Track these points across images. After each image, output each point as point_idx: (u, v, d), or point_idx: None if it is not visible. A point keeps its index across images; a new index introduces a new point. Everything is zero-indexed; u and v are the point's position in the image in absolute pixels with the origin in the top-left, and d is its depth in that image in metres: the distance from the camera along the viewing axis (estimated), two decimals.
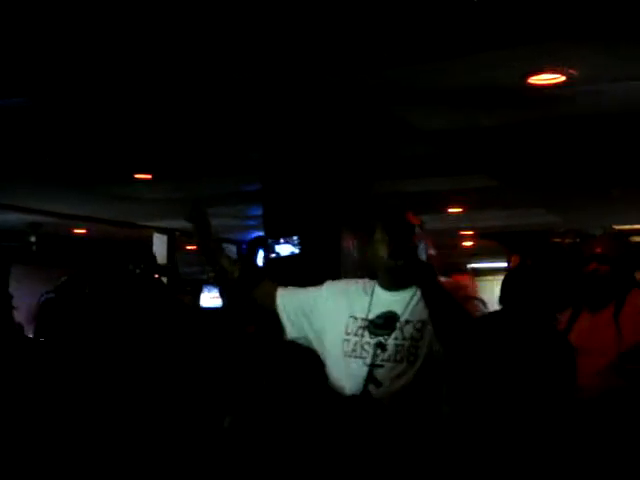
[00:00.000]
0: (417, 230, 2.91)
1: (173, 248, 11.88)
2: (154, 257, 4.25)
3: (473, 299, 3.20)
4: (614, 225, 10.93)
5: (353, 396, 2.78)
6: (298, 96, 5.31)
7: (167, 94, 5.22)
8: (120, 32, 4.09)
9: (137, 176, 7.77)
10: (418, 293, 2.85)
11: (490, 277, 19.39)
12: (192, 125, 6.07)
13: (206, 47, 4.35)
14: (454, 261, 15.71)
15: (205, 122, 5.99)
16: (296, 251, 6.60)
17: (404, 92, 5.25)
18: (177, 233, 11.97)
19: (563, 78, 4.77)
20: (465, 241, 14.54)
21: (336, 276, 6.21)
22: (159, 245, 11.68)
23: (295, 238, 6.73)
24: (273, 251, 6.73)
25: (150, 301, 3.76)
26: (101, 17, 3.89)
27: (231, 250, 13.05)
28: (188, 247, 13.36)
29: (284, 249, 6.75)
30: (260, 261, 6.38)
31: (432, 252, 4.13)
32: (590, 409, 3.79)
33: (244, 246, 3.62)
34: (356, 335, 2.92)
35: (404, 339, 2.84)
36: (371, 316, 2.92)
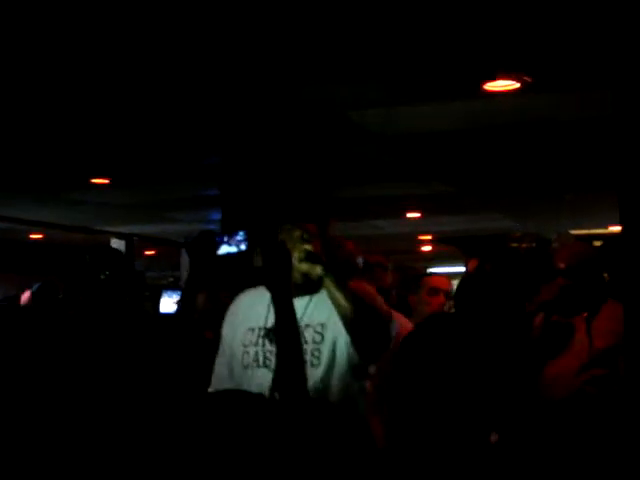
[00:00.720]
0: (306, 237, 2.86)
1: (132, 254, 11.79)
2: (121, 262, 4.20)
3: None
4: (570, 230, 11.08)
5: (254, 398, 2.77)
6: (256, 101, 5.31)
7: (124, 99, 5.19)
8: (75, 35, 4.06)
9: (94, 181, 7.71)
10: (318, 296, 2.85)
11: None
12: (150, 130, 6.04)
13: (163, 52, 4.34)
14: (412, 265, 15.83)
15: (163, 126, 5.96)
16: (243, 248, 6.56)
17: (361, 98, 5.28)
18: (135, 238, 11.89)
19: (518, 85, 4.83)
20: (423, 246, 14.64)
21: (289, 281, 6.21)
22: None
23: (241, 234, 6.69)
24: (219, 248, 6.69)
25: (112, 309, 3.74)
26: (54, 20, 3.86)
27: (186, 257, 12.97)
28: (146, 252, 13.30)
29: (231, 247, 6.71)
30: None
31: (359, 261, 4.15)
32: (562, 411, 3.86)
33: (188, 240, 3.57)
34: (256, 345, 2.90)
35: (305, 343, 2.81)
36: (269, 324, 2.87)
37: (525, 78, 4.74)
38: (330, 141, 6.52)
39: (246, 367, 2.89)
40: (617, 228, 11.81)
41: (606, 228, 11.68)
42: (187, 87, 4.97)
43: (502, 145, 6.66)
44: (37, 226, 10.87)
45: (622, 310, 3.92)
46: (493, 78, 4.76)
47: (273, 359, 2.82)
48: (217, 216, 9.25)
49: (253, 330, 2.93)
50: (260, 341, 2.90)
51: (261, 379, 2.82)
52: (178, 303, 3.58)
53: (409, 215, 10.61)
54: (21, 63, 4.44)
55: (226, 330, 3.04)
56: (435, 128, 6.06)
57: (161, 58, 4.44)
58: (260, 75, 4.75)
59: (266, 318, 2.89)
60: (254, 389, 2.77)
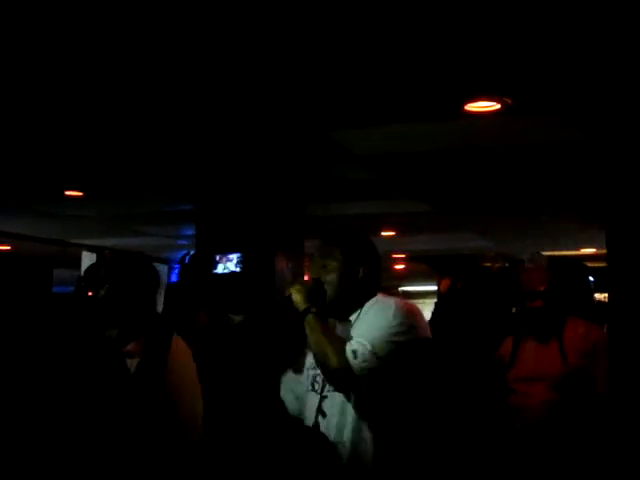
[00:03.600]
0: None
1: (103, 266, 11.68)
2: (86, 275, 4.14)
3: None
4: (543, 251, 11.12)
5: (303, 430, 2.82)
6: (232, 116, 5.28)
7: (99, 112, 5.14)
8: (54, 49, 4.00)
9: (68, 193, 7.62)
10: (353, 318, 2.93)
11: (421, 300, 19.64)
12: (125, 143, 5.98)
13: (139, 67, 4.30)
14: (385, 284, 15.83)
15: (138, 140, 5.91)
16: (237, 269, 6.61)
17: (339, 116, 5.26)
18: (106, 251, 11.79)
19: (498, 106, 4.83)
20: (397, 264, 14.64)
21: (269, 296, 6.23)
22: (87, 263, 11.48)
23: (237, 256, 6.73)
24: (215, 268, 6.73)
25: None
26: (29, 35, 3.80)
27: (162, 270, 12.91)
28: None
29: (226, 266, 6.75)
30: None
31: None
32: (540, 432, 3.87)
33: (186, 259, 3.56)
34: (314, 369, 2.96)
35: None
36: None
37: (506, 99, 4.75)
38: (306, 158, 6.50)
39: (306, 390, 2.97)
40: (589, 250, 11.93)
41: (578, 250, 11.77)
42: (163, 102, 4.93)
43: (480, 165, 6.67)
44: (6, 237, 10.73)
45: (584, 327, 3.98)
46: (474, 99, 4.76)
47: (321, 382, 2.90)
48: (190, 231, 9.19)
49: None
50: (313, 364, 2.95)
51: (312, 402, 2.91)
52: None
53: (383, 233, 10.61)
54: None
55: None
56: (413, 148, 6.05)
57: (136, 72, 4.39)
58: (238, 90, 4.72)
59: None
60: (308, 412, 2.92)
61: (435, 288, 12.75)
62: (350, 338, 2.81)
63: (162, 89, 4.70)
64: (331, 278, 2.94)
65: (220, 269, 6.72)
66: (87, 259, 11.60)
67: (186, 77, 4.48)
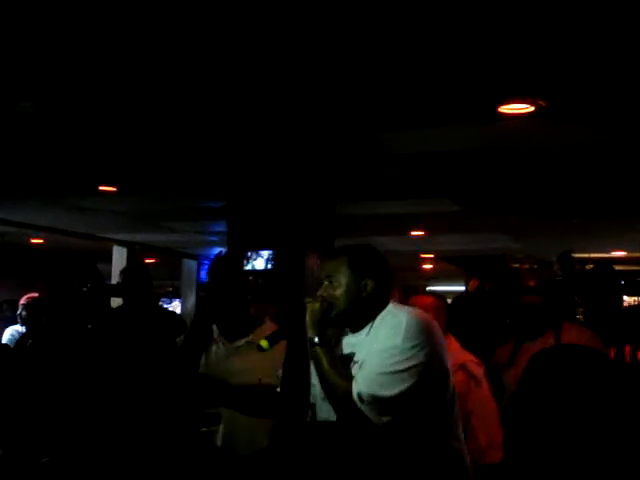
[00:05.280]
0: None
1: (133, 261, 11.79)
2: (100, 275, 4.21)
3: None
4: (573, 254, 11.06)
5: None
6: (264, 115, 5.31)
7: (134, 109, 5.20)
8: (88, 44, 4.06)
9: (102, 188, 7.70)
10: (365, 331, 2.86)
11: (448, 300, 19.62)
12: (159, 140, 6.04)
13: (175, 66, 4.35)
14: (413, 283, 15.82)
15: (172, 137, 5.96)
16: (269, 266, 6.62)
17: (373, 117, 5.28)
18: (137, 247, 11.89)
19: (532, 108, 4.83)
20: (425, 264, 14.63)
21: (299, 294, 6.24)
22: (118, 258, 11.59)
23: (269, 253, 6.74)
24: (247, 264, 6.75)
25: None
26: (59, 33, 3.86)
27: (192, 265, 13.01)
28: (147, 260, 13.29)
29: (259, 263, 6.77)
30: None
31: None
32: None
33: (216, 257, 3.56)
34: None
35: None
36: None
37: (540, 102, 4.75)
38: (338, 157, 6.51)
39: (322, 399, 2.87)
40: (620, 253, 11.83)
41: (608, 253, 11.69)
42: (198, 100, 4.98)
43: (511, 166, 6.66)
44: (41, 230, 10.85)
45: (579, 332, 3.94)
46: (508, 101, 4.76)
47: None
48: (219, 228, 9.24)
49: None
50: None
51: (326, 414, 2.83)
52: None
53: (413, 233, 10.60)
54: (33, 67, 4.44)
55: None
56: (446, 148, 6.05)
57: (173, 71, 4.44)
58: (271, 90, 4.75)
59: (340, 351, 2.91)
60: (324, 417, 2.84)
61: (463, 288, 12.73)
62: (357, 364, 2.77)
63: (198, 88, 4.74)
64: (338, 293, 2.84)
65: (249, 267, 6.73)
66: (118, 254, 11.72)
67: (221, 75, 4.52)
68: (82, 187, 7.77)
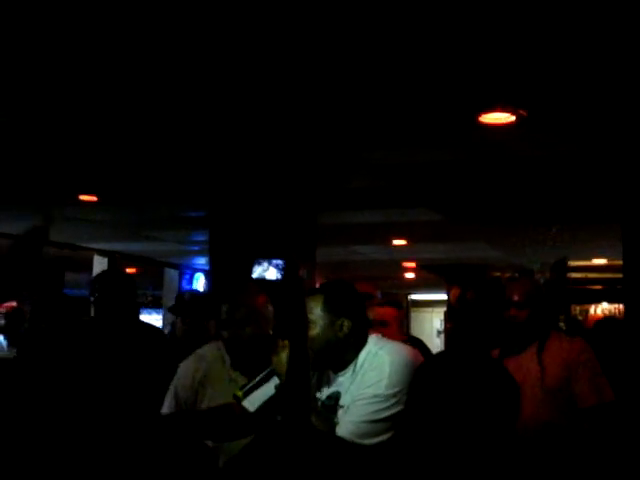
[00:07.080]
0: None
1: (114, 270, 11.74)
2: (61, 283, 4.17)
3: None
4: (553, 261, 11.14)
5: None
6: (245, 125, 5.30)
7: (115, 118, 5.17)
8: (65, 50, 4.03)
9: (82, 197, 7.66)
10: (349, 372, 2.84)
11: (429, 309, 19.64)
12: (140, 149, 6.01)
13: (157, 73, 4.33)
14: (394, 292, 15.84)
15: (153, 146, 5.94)
16: (279, 276, 6.60)
17: (354, 127, 5.28)
18: (117, 255, 11.83)
19: (513, 118, 4.85)
20: (407, 272, 14.65)
21: (291, 301, 6.22)
22: (99, 267, 11.53)
23: (281, 262, 6.71)
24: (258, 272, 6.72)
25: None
26: (42, 35, 3.84)
27: (173, 275, 12.97)
28: (128, 270, 13.22)
29: (270, 273, 6.73)
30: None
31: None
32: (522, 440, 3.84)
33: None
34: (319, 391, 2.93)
35: None
36: (323, 396, 2.89)
37: (520, 112, 4.77)
38: (318, 167, 6.52)
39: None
40: (601, 261, 11.89)
41: (590, 261, 11.75)
42: (179, 109, 4.96)
43: (492, 175, 6.69)
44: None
45: (566, 341, 3.96)
46: (489, 110, 4.78)
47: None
48: (201, 237, 9.22)
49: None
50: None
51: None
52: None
53: (395, 242, 10.61)
54: (12, 76, 4.41)
55: None
56: (427, 158, 6.07)
57: (154, 79, 4.42)
58: (253, 101, 4.75)
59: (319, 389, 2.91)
60: None
61: (444, 297, 12.77)
62: (343, 409, 2.77)
63: (178, 96, 4.73)
64: (314, 334, 2.79)
65: (256, 274, 6.68)
66: (98, 263, 11.66)
67: (203, 85, 4.51)
68: (62, 196, 7.73)
